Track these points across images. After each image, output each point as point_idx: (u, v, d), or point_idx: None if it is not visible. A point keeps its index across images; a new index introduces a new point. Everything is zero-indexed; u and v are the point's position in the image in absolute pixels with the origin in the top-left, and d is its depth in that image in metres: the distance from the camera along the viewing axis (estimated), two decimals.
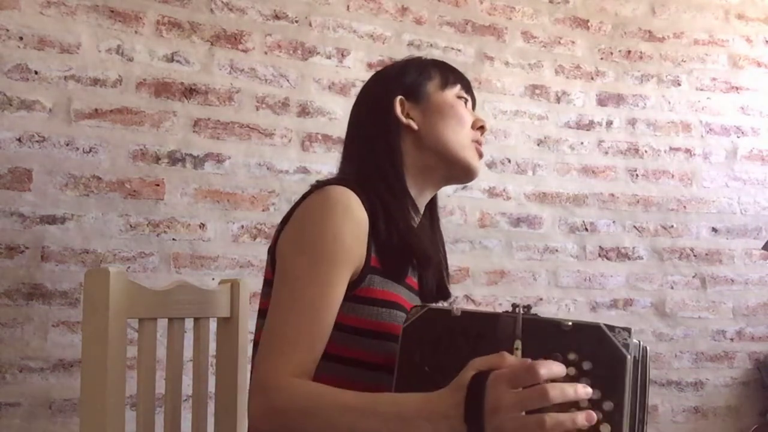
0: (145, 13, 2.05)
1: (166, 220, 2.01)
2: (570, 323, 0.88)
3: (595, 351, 0.87)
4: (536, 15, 2.54)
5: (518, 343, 0.88)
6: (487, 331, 0.91)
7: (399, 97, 1.21)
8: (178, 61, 2.07)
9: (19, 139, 1.89)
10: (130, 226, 1.97)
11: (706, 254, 2.63)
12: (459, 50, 2.41)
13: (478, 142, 1.24)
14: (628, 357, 0.86)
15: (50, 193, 1.90)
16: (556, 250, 2.47)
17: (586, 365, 0.86)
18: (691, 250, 2.62)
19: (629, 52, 2.64)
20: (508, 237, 2.42)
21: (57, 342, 1.86)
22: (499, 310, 2.37)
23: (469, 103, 1.27)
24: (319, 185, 1.10)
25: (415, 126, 1.20)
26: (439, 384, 0.86)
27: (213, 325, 1.41)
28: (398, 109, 1.20)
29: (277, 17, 2.20)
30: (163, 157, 2.03)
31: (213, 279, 2.00)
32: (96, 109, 1.97)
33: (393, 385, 0.95)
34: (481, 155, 1.25)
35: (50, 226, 1.89)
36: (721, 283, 2.63)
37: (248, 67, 2.15)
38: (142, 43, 2.03)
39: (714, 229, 2.65)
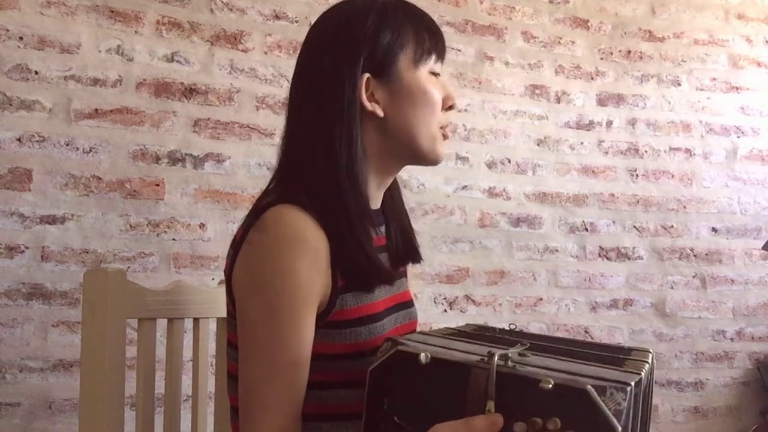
0: (145, 13, 2.05)
1: (166, 220, 2.01)
2: (551, 384, 0.74)
3: (580, 419, 0.73)
4: (536, 15, 2.54)
5: (491, 405, 0.77)
6: (458, 384, 0.79)
7: (366, 76, 1.02)
8: (178, 61, 2.07)
9: (19, 139, 1.89)
10: (130, 226, 1.97)
11: (706, 254, 2.63)
12: (459, 50, 2.41)
13: (445, 127, 1.09)
14: (619, 429, 0.72)
15: (50, 193, 1.90)
16: (556, 250, 2.47)
17: None
18: (691, 250, 2.62)
19: (629, 52, 2.64)
20: (508, 237, 2.42)
21: (57, 342, 1.87)
22: (499, 310, 2.39)
23: (440, 75, 1.10)
24: (265, 203, 0.97)
25: (380, 113, 1.03)
26: None
27: (213, 325, 1.41)
28: (363, 92, 1.02)
29: (277, 17, 2.20)
30: (163, 157, 2.03)
31: (213, 279, 2.00)
32: (96, 109, 1.97)
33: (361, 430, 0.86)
34: (447, 138, 1.10)
35: (50, 226, 1.89)
36: (721, 283, 2.63)
37: (248, 67, 2.15)
38: (142, 43, 2.03)
39: (714, 229, 2.65)
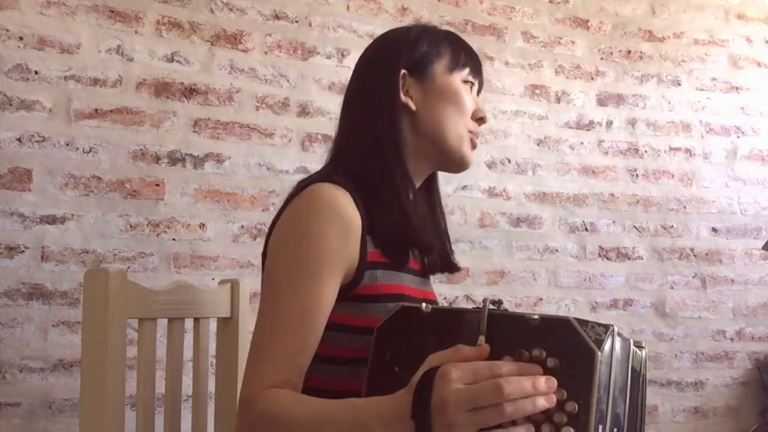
0: (145, 13, 2.05)
1: (166, 220, 2.01)
2: (537, 317, 0.82)
3: (562, 347, 0.79)
4: (536, 15, 2.54)
5: (481, 339, 0.82)
6: (454, 327, 0.86)
7: (402, 71, 1.13)
8: (178, 61, 2.07)
9: (19, 139, 1.89)
10: (130, 226, 1.97)
11: (706, 254, 2.63)
12: None
13: (474, 133, 1.18)
14: (598, 354, 0.78)
15: (50, 193, 1.90)
16: (556, 250, 2.47)
17: (551, 362, 0.79)
18: (691, 250, 2.62)
19: (629, 52, 2.64)
20: (508, 237, 2.42)
21: (57, 342, 1.86)
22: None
23: (475, 88, 1.21)
24: (307, 182, 1.06)
25: (413, 106, 1.13)
26: (406, 383, 0.82)
27: (213, 325, 1.41)
28: (399, 85, 1.13)
29: (277, 17, 2.20)
30: (163, 157, 2.03)
31: (213, 279, 2.00)
32: (96, 109, 1.97)
33: (364, 386, 0.92)
34: (474, 146, 1.18)
35: (50, 226, 1.89)
36: (721, 283, 2.63)
37: (248, 67, 2.15)
38: (142, 43, 2.03)
39: (714, 229, 2.65)
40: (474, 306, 0.88)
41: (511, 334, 0.82)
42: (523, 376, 0.76)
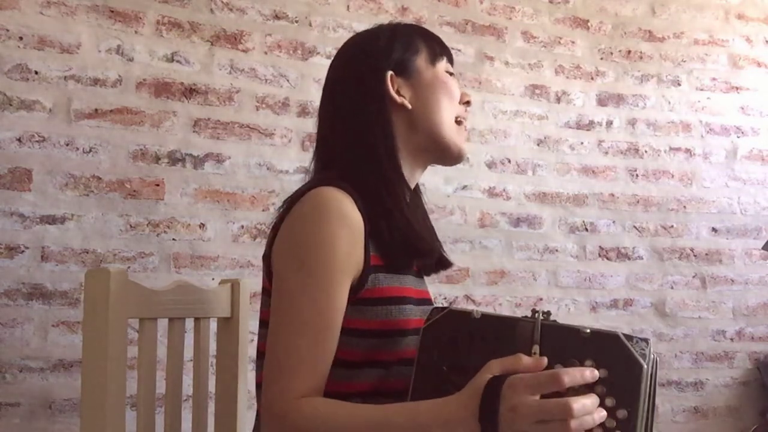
0: (145, 13, 2.05)
1: (166, 220, 2.01)
2: (588, 331, 0.89)
3: (612, 360, 0.87)
4: (536, 15, 2.54)
5: (536, 348, 0.89)
6: (506, 335, 0.92)
7: (390, 73, 1.13)
8: (178, 61, 2.07)
9: (19, 139, 1.89)
10: (130, 226, 1.97)
11: (706, 254, 2.63)
12: (459, 50, 2.41)
13: (462, 117, 1.20)
14: (645, 367, 0.87)
15: (50, 193, 1.90)
16: (556, 250, 2.47)
17: (602, 373, 0.87)
18: (691, 250, 2.62)
19: (629, 52, 2.64)
20: (508, 237, 2.42)
21: (57, 342, 1.86)
22: (500, 310, 2.38)
23: (454, 76, 1.22)
24: (308, 187, 1.06)
25: (408, 105, 1.13)
26: (455, 383, 0.87)
27: (213, 325, 1.41)
28: (390, 87, 1.13)
29: (277, 17, 2.20)
30: (163, 157, 2.03)
31: (213, 279, 2.00)
32: (96, 109, 1.97)
33: (411, 383, 0.96)
34: (465, 130, 1.21)
35: (50, 226, 1.89)
36: (721, 283, 2.63)
37: (248, 67, 2.15)
38: (142, 43, 2.03)
39: (714, 229, 2.65)
40: (523, 315, 0.94)
41: (563, 344, 0.89)
42: (586, 396, 0.84)
